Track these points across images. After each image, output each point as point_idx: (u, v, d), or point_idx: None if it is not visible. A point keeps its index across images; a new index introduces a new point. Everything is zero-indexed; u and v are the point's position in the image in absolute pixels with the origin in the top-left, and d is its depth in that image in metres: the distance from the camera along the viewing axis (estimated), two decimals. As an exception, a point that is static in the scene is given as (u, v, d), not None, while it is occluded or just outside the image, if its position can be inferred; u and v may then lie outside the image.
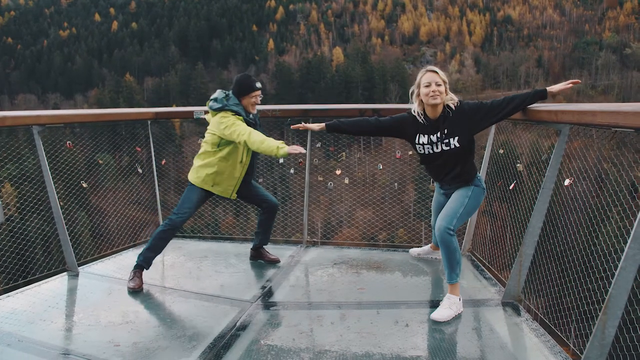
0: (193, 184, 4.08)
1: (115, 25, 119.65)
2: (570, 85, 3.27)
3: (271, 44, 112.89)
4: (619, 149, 2.75)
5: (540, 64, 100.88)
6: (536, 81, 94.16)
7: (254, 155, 4.17)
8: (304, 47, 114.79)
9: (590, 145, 3.05)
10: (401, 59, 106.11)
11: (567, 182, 3.07)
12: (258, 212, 4.51)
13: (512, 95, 3.29)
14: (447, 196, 3.60)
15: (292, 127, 4.01)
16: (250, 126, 3.96)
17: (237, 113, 3.89)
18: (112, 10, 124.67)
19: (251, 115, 4.05)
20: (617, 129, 2.43)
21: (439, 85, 3.27)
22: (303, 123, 3.93)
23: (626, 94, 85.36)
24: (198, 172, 4.07)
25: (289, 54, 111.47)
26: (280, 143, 3.49)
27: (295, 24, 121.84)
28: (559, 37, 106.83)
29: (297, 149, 3.42)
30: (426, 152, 3.44)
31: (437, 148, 3.37)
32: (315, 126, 3.79)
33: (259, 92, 4.03)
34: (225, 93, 4.02)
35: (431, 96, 3.26)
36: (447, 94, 3.31)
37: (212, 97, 4.01)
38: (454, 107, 3.32)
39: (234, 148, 3.99)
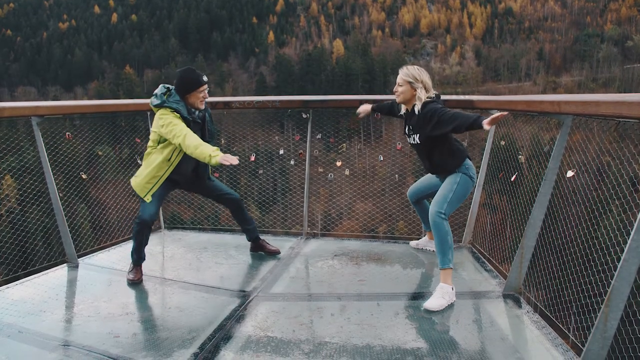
0: None
1: (114, 17, 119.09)
2: (500, 116, 2.97)
3: (271, 36, 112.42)
4: (623, 141, 2.72)
5: (541, 57, 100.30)
6: (537, 74, 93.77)
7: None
8: (304, 39, 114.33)
9: (592, 138, 3.02)
10: (402, 52, 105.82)
11: (569, 173, 3.05)
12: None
13: (455, 114, 3.29)
14: (440, 180, 3.74)
15: (357, 112, 4.33)
16: (196, 125, 3.74)
17: (176, 110, 3.61)
18: (111, 2, 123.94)
19: (198, 113, 3.77)
20: (621, 120, 2.41)
21: (400, 85, 3.54)
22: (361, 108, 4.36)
23: (627, 86, 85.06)
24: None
25: (289, 46, 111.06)
26: (213, 150, 3.30)
27: (296, 16, 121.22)
28: (560, 30, 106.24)
29: (229, 158, 3.23)
30: (409, 141, 3.73)
31: (410, 140, 3.67)
32: (368, 107, 4.30)
33: (205, 86, 3.72)
34: (166, 88, 3.74)
35: (395, 94, 3.62)
36: (416, 92, 3.48)
37: (154, 92, 3.74)
38: (418, 108, 3.49)
39: (172, 146, 3.72)
